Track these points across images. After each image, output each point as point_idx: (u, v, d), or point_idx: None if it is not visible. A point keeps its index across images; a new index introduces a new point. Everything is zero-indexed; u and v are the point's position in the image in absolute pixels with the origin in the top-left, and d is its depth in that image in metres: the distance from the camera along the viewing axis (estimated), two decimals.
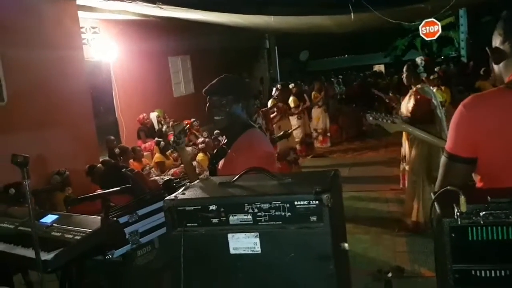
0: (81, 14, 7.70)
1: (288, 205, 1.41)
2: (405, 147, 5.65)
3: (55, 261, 2.19)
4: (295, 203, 1.40)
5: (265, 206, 1.42)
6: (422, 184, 5.15)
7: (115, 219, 2.56)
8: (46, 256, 2.16)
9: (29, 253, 2.35)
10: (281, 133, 6.34)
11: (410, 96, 5.26)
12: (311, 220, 1.39)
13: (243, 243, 1.45)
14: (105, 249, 2.44)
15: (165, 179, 4.56)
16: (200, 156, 7.96)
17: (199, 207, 1.48)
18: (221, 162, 2.46)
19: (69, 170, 6.48)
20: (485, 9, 18.04)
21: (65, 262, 2.26)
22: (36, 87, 6.46)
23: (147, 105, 10.50)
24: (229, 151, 2.43)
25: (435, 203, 1.43)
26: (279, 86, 8.96)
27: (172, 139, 2.72)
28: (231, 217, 1.46)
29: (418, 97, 5.13)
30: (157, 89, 11.29)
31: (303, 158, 9.35)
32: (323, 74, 17.71)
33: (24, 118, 6.28)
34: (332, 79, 15.55)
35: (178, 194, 1.57)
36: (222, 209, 1.46)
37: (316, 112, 11.07)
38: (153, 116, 10.58)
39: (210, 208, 1.47)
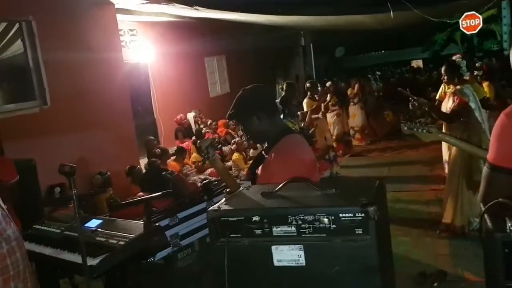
0: (119, 17, 7.84)
1: (332, 217, 1.38)
2: (445, 149, 5.47)
3: (101, 267, 2.24)
4: (340, 215, 1.37)
5: (309, 218, 1.40)
6: (460, 187, 4.97)
7: (157, 224, 2.59)
8: (91, 262, 2.20)
9: (76, 258, 2.40)
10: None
11: (449, 96, 5.17)
12: (357, 233, 1.36)
13: (287, 255, 1.43)
14: (148, 253, 2.47)
15: (204, 182, 4.59)
16: (235, 155, 8.02)
17: (243, 218, 1.47)
18: (260, 168, 2.46)
19: (109, 171, 6.62)
20: None
21: (110, 268, 2.30)
22: (77, 90, 6.62)
23: (184, 106, 10.62)
24: (266, 156, 2.41)
25: (485, 216, 1.38)
26: (308, 84, 8.88)
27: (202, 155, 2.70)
28: (274, 229, 1.44)
29: (456, 98, 5.01)
30: (193, 89, 11.42)
31: (340, 157, 9.20)
32: (360, 70, 17.43)
33: (66, 120, 6.45)
34: (369, 76, 15.28)
35: (221, 204, 1.56)
36: (265, 220, 1.44)
37: (352, 109, 10.95)
38: (190, 116, 10.70)
39: (254, 219, 1.46)
